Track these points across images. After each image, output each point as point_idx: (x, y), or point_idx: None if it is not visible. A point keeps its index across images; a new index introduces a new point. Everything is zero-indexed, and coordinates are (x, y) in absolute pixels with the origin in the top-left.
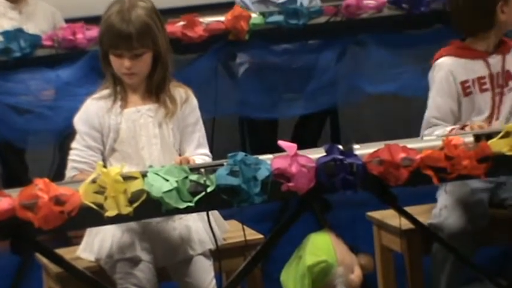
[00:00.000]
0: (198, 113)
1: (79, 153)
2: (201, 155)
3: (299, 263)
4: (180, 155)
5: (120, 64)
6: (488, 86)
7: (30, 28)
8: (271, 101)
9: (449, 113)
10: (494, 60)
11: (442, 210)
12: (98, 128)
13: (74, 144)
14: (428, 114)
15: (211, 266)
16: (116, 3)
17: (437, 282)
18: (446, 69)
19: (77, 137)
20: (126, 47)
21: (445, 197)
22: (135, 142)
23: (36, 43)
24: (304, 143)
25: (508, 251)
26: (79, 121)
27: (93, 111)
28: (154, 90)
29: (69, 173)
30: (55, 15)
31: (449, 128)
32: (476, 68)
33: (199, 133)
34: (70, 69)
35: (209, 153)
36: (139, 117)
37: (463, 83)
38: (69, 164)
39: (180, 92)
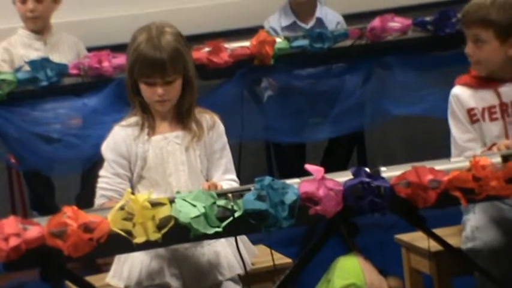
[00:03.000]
0: (224, 138)
1: (108, 180)
2: (228, 180)
3: (328, 286)
4: (207, 181)
5: (153, 92)
6: (498, 115)
7: (55, 58)
8: (297, 125)
9: (473, 132)
10: (507, 88)
11: (474, 232)
12: (125, 156)
13: (102, 172)
14: (455, 140)
15: None
16: (143, 31)
17: None
18: (455, 96)
19: (105, 164)
20: (160, 74)
21: (474, 218)
22: (163, 169)
23: (62, 72)
24: (334, 167)
25: None
26: (107, 149)
27: (120, 138)
28: (183, 116)
29: (98, 200)
30: (78, 45)
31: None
32: (486, 97)
33: (226, 159)
34: (96, 97)
35: (236, 179)
36: (166, 144)
37: (469, 110)
38: (98, 192)
39: (207, 118)
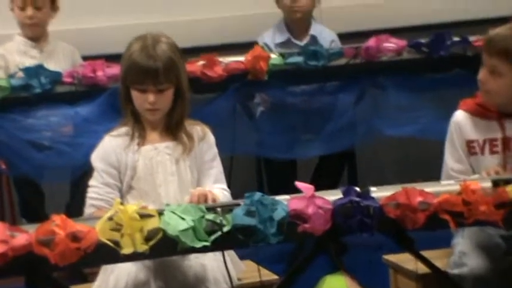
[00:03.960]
0: (215, 149)
1: (97, 190)
2: (219, 189)
3: None
4: None
5: (144, 99)
6: (499, 148)
7: (51, 66)
8: (288, 142)
9: (466, 164)
10: None
11: (461, 257)
12: (115, 165)
13: (91, 182)
14: (446, 167)
15: None
16: (138, 40)
17: None
18: (456, 123)
19: (95, 174)
20: (153, 82)
21: (462, 243)
22: (152, 179)
23: (56, 80)
24: (324, 185)
25: None
26: (96, 158)
27: (110, 148)
28: (173, 127)
29: (87, 210)
30: (74, 54)
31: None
32: (489, 128)
33: (217, 169)
34: (89, 106)
35: (227, 189)
36: (156, 154)
37: (468, 142)
38: (88, 202)
39: (197, 129)
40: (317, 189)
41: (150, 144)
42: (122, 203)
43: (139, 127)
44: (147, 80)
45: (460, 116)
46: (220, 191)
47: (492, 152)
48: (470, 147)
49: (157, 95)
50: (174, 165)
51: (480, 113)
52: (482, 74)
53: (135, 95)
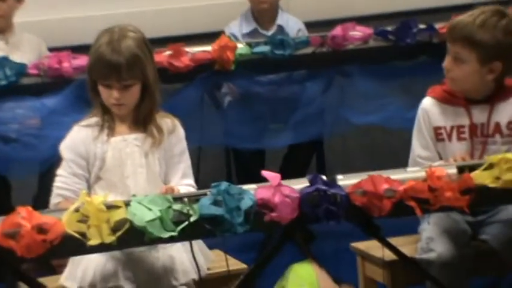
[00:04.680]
0: (184, 143)
1: (64, 179)
2: (186, 185)
3: None
4: (165, 184)
5: (109, 95)
6: (466, 135)
7: (17, 58)
8: (256, 131)
9: (433, 151)
10: (479, 110)
11: (428, 243)
12: (83, 156)
13: (59, 171)
14: (413, 154)
15: None
16: (106, 33)
17: None
18: (424, 110)
19: (63, 163)
20: (116, 78)
21: (429, 229)
22: (121, 171)
23: (21, 71)
24: (292, 174)
25: (496, 282)
26: (65, 148)
27: (79, 138)
28: (142, 120)
29: (53, 199)
30: (41, 46)
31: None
32: (456, 115)
33: (185, 164)
34: (55, 98)
35: (194, 184)
36: (125, 146)
37: (436, 128)
38: (54, 191)
39: (167, 122)
40: (286, 178)
41: (119, 135)
42: (88, 194)
43: (109, 119)
44: (111, 76)
45: (427, 102)
46: (186, 188)
47: (459, 139)
48: (437, 134)
49: (122, 91)
50: (143, 157)
51: (448, 99)
52: (446, 62)
53: (101, 89)
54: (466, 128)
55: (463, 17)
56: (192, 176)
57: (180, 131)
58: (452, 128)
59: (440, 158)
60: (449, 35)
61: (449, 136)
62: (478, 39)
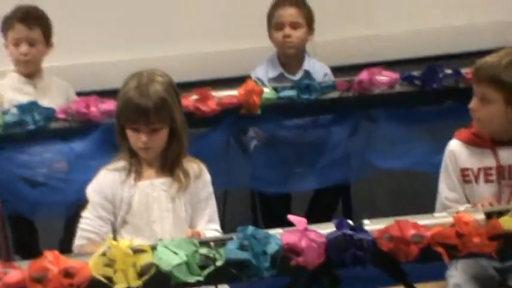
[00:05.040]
0: (210, 188)
1: (90, 222)
2: (212, 230)
3: None
4: (191, 229)
5: (137, 139)
6: (493, 177)
7: (45, 102)
8: (283, 175)
9: (461, 193)
10: (506, 152)
11: None
12: (110, 199)
13: (85, 213)
14: (440, 196)
15: None
16: (134, 77)
17: None
18: (451, 152)
19: (89, 206)
20: (144, 121)
21: (456, 275)
22: (147, 215)
23: (50, 116)
24: (319, 218)
25: None
26: (92, 191)
27: (106, 182)
28: (169, 164)
29: (78, 241)
30: (68, 90)
31: (461, 209)
32: (483, 158)
33: (211, 209)
34: (83, 142)
35: (220, 229)
36: (152, 190)
37: (463, 170)
38: (79, 233)
39: (194, 167)
40: (312, 222)
41: (146, 179)
42: (114, 238)
43: (136, 163)
44: (139, 119)
45: (454, 144)
46: (212, 233)
47: (487, 181)
48: (464, 176)
49: (150, 134)
50: (170, 202)
51: (474, 142)
52: (473, 103)
53: (129, 133)
54: (493, 170)
55: (489, 58)
56: (218, 221)
57: (207, 176)
58: (479, 170)
59: (468, 201)
60: (475, 76)
61: (477, 178)
62: (503, 79)
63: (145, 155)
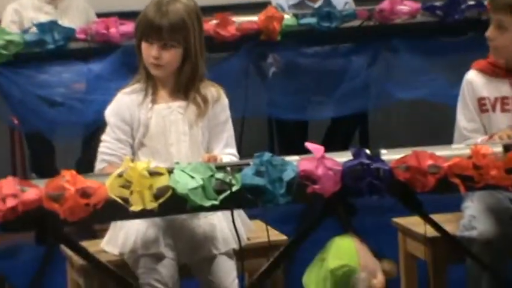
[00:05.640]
0: (228, 112)
1: (109, 145)
2: (228, 154)
3: (322, 266)
4: (207, 153)
5: (149, 53)
6: (510, 107)
7: (65, 23)
8: (300, 103)
9: (478, 122)
10: None
11: (471, 221)
12: (128, 122)
13: (104, 137)
14: (458, 127)
15: (234, 266)
16: None
17: None
18: (468, 81)
19: (107, 129)
20: (157, 36)
21: (472, 206)
22: (164, 138)
23: (69, 36)
24: (335, 147)
25: None
26: (110, 114)
27: (124, 104)
28: (184, 87)
29: (98, 165)
30: (88, 12)
31: (480, 139)
32: (500, 87)
33: (228, 133)
34: (101, 63)
35: (236, 154)
36: (169, 113)
37: (480, 99)
38: (99, 156)
39: (212, 91)
40: (328, 150)
41: (163, 102)
42: (132, 160)
43: (152, 84)
44: (151, 34)
45: (471, 74)
46: (229, 158)
47: (503, 110)
48: (481, 105)
49: (161, 50)
50: (187, 125)
51: (491, 71)
52: (490, 31)
53: (143, 46)
54: (509, 99)
55: None
56: (235, 146)
57: (225, 100)
58: (496, 99)
59: (485, 132)
60: (492, 4)
61: (493, 107)
62: None
63: (155, 71)
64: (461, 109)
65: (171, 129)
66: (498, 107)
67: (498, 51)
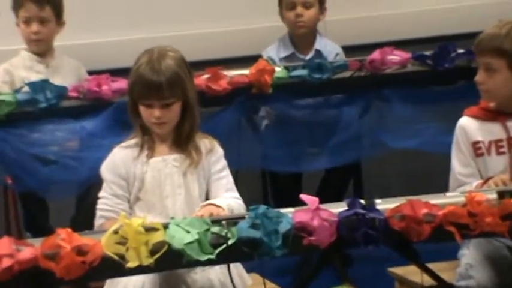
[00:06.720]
0: (224, 161)
1: (106, 201)
2: (232, 198)
3: None
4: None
5: (150, 114)
6: (505, 149)
7: (57, 81)
8: (294, 155)
9: (473, 167)
10: None
11: (468, 270)
12: (124, 176)
13: (101, 193)
14: (453, 172)
15: None
16: (145, 53)
17: None
18: (461, 127)
19: (104, 185)
20: (157, 97)
21: (468, 255)
22: (160, 191)
23: (62, 94)
24: (330, 198)
25: None
26: (106, 169)
27: (119, 159)
28: (184, 140)
29: (97, 221)
30: (80, 69)
31: (475, 184)
32: (493, 130)
33: (227, 179)
34: (94, 120)
35: (239, 197)
36: (164, 166)
37: (474, 143)
38: (97, 213)
39: (205, 142)
40: (323, 201)
41: (159, 156)
42: (128, 216)
43: (149, 139)
44: (152, 94)
45: (464, 120)
46: (234, 200)
47: (498, 153)
48: (476, 149)
49: (163, 109)
50: (182, 178)
51: (483, 115)
52: (479, 75)
53: (142, 109)
54: (504, 141)
55: (489, 29)
56: (236, 190)
57: (219, 150)
58: (490, 142)
59: (481, 176)
60: (478, 49)
61: (488, 151)
62: (505, 46)
63: (159, 130)
64: (456, 155)
65: (166, 182)
66: (493, 150)
67: (489, 94)
